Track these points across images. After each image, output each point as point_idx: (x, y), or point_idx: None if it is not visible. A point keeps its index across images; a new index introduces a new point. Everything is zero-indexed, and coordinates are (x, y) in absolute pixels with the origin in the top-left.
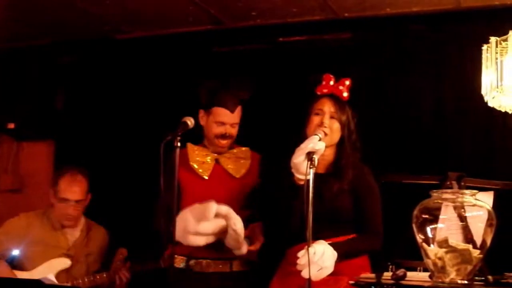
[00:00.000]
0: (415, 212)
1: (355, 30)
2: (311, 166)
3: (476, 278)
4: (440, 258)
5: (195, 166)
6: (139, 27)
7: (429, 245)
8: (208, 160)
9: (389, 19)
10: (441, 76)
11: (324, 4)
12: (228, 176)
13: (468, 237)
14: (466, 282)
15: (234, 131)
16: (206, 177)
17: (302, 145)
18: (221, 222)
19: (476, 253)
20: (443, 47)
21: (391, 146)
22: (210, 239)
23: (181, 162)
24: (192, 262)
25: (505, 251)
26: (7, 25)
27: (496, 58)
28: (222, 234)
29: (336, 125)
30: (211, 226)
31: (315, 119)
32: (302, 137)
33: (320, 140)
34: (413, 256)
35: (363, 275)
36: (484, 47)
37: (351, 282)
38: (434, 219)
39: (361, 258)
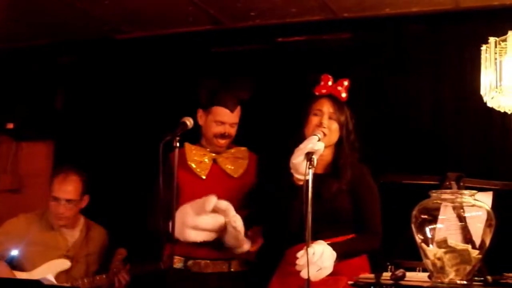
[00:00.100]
0: (414, 212)
1: (354, 31)
2: (310, 167)
3: (475, 278)
4: (439, 259)
5: (193, 165)
6: (139, 27)
7: (428, 246)
8: (206, 160)
9: (389, 19)
10: (440, 76)
11: (324, 4)
12: (226, 176)
13: (467, 237)
14: (465, 282)
15: (233, 131)
16: (204, 177)
17: (301, 146)
18: (220, 219)
19: (475, 253)
20: (443, 47)
21: (391, 146)
22: (208, 237)
23: (179, 162)
24: (190, 262)
25: (504, 251)
26: (7, 25)
27: (495, 59)
28: (221, 232)
29: (335, 126)
30: (210, 221)
31: (314, 120)
32: (300, 138)
33: (319, 140)
34: (412, 256)
35: (362, 275)
36: (483, 47)
37: (350, 282)
38: (433, 220)
39: (360, 258)
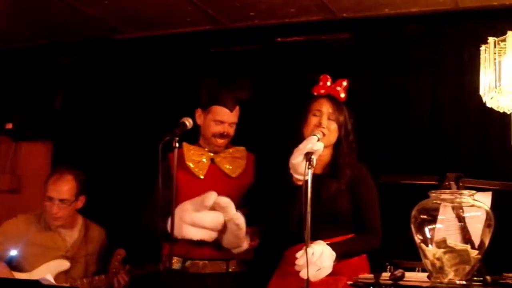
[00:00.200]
0: (413, 212)
1: (353, 31)
2: (310, 167)
3: (475, 278)
4: (438, 259)
5: (191, 165)
6: (138, 27)
7: (427, 246)
8: (204, 159)
9: (388, 19)
10: (439, 77)
11: (322, 4)
12: (224, 175)
13: (466, 237)
14: (464, 282)
15: (231, 130)
16: (202, 177)
17: (301, 146)
18: (219, 217)
19: (474, 253)
20: (442, 47)
21: (390, 146)
22: (207, 235)
23: (177, 162)
24: (188, 263)
25: (503, 251)
26: (7, 25)
27: (495, 59)
28: (220, 231)
29: (334, 126)
30: (208, 218)
31: (313, 120)
32: (299, 138)
33: (318, 140)
34: (412, 256)
35: (361, 276)
36: (483, 47)
37: (350, 282)
38: (433, 220)
39: (360, 258)
